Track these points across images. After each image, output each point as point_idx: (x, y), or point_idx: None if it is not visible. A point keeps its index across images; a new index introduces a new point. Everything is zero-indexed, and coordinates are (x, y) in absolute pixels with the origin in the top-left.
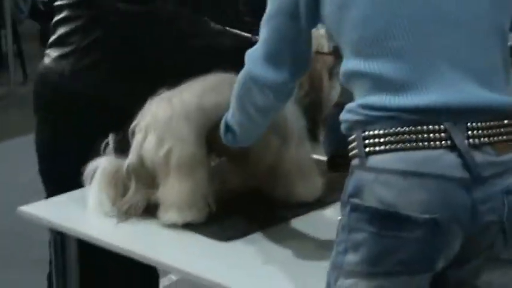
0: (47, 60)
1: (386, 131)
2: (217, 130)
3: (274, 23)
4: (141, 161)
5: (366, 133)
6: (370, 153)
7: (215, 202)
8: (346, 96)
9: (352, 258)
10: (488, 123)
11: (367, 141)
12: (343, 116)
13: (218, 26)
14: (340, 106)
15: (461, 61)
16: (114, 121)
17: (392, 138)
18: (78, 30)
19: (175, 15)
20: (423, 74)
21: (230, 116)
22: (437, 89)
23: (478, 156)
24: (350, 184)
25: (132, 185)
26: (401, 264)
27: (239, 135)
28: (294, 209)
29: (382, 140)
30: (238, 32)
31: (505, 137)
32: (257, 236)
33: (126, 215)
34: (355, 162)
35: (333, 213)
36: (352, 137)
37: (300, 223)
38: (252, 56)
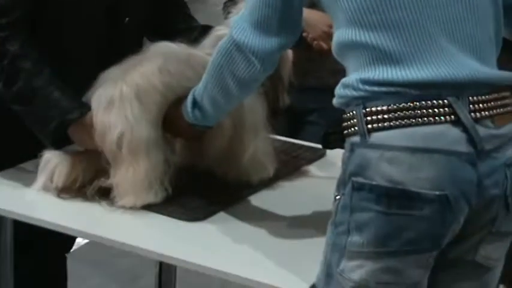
0: None
1: (390, 107)
2: (173, 109)
3: None
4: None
5: (368, 109)
6: (373, 130)
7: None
8: None
9: (356, 239)
10: (487, 97)
11: (369, 118)
12: (339, 91)
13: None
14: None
15: (460, 34)
16: None
17: (396, 114)
18: None
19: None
20: (424, 47)
21: (201, 90)
22: (439, 63)
23: (481, 130)
24: (351, 162)
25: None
26: (410, 243)
27: (209, 111)
28: (247, 188)
29: (385, 116)
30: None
31: (502, 110)
32: (220, 215)
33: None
34: (355, 139)
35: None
36: (351, 113)
37: (256, 201)
38: (239, 22)
